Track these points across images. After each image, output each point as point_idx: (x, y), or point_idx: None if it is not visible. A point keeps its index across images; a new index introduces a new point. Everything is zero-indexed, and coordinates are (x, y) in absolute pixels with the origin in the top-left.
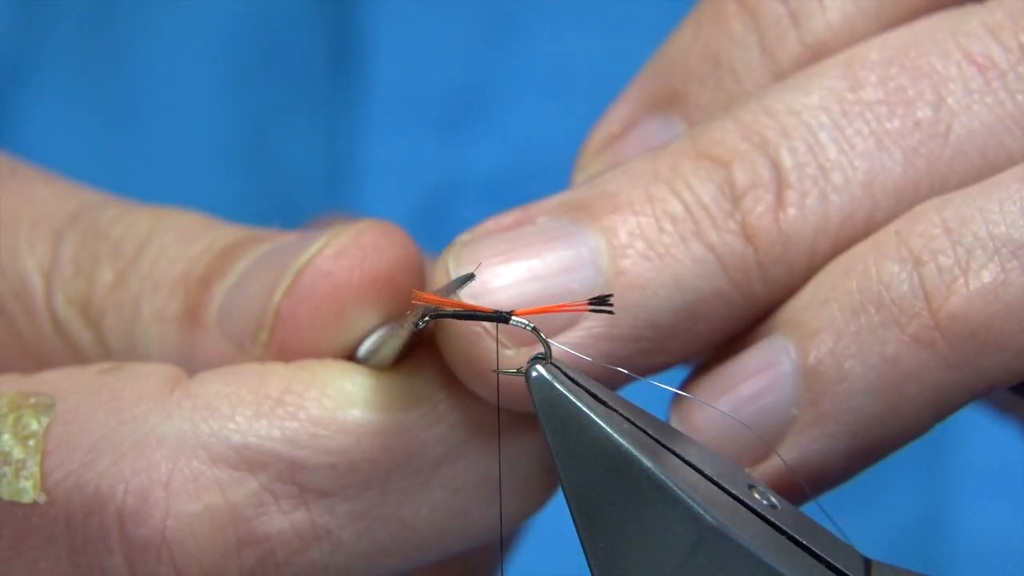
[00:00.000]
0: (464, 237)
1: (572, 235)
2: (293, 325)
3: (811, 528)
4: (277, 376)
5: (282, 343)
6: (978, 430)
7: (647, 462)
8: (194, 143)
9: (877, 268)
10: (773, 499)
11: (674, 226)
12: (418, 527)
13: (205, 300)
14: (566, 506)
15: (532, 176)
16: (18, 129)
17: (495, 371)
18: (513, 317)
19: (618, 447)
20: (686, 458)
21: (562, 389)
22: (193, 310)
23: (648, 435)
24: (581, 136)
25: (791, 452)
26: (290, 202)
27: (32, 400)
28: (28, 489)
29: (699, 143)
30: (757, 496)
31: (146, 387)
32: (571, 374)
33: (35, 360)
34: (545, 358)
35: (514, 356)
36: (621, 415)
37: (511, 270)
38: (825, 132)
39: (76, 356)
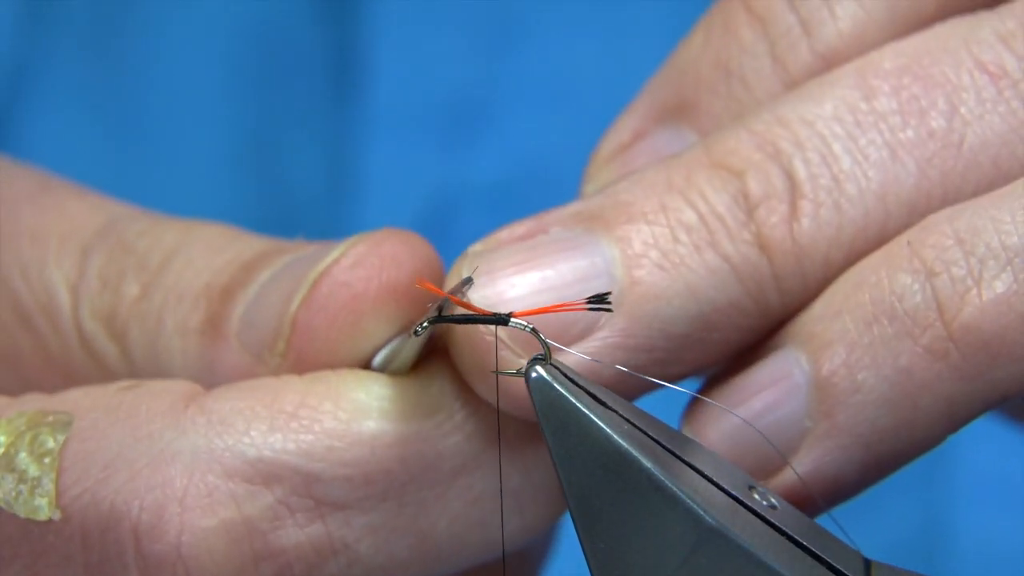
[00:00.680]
0: (477, 247)
1: (586, 245)
2: (309, 335)
3: (811, 529)
4: (291, 390)
5: (299, 353)
6: (980, 437)
7: (647, 463)
8: (198, 152)
9: (889, 280)
10: (773, 500)
11: (688, 236)
12: (436, 539)
13: (227, 311)
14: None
15: (534, 185)
16: (24, 137)
17: (495, 372)
18: (512, 319)
19: (618, 448)
20: (686, 459)
21: (561, 390)
22: (214, 321)
23: (648, 436)
24: (583, 145)
25: (804, 464)
26: (294, 211)
27: (50, 418)
28: (43, 506)
29: (712, 152)
30: (757, 497)
31: (162, 404)
32: (571, 375)
33: (62, 374)
34: (545, 359)
35: (522, 362)
36: (621, 416)
37: (525, 280)
38: (839, 143)
39: (102, 370)
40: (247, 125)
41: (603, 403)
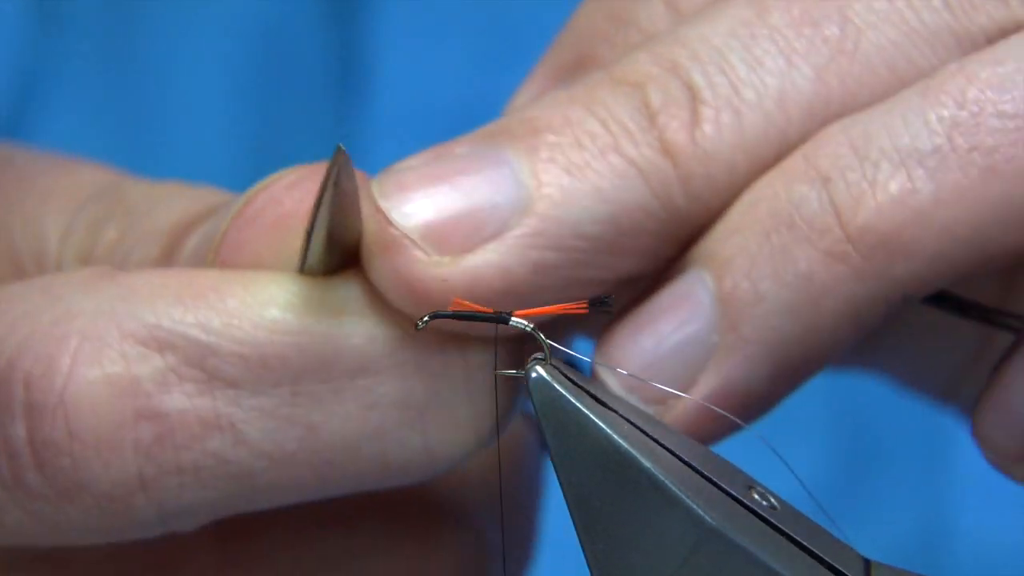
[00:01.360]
0: (385, 169)
1: (492, 156)
2: (237, 247)
3: (810, 529)
4: (206, 275)
5: (225, 263)
6: None
7: (646, 463)
8: (204, 156)
9: (786, 191)
10: (772, 500)
11: (593, 142)
12: (327, 439)
13: (180, 244)
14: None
15: None
16: (35, 139)
17: (495, 372)
18: (513, 318)
19: (617, 448)
20: (685, 459)
21: (561, 390)
22: (166, 253)
23: (648, 436)
24: None
25: (715, 378)
26: None
27: None
28: None
29: (613, 72)
30: (756, 497)
31: (80, 275)
32: (570, 375)
33: None
34: (545, 359)
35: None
36: (620, 416)
37: (436, 190)
38: (734, 54)
39: None
40: (253, 130)
41: (603, 403)
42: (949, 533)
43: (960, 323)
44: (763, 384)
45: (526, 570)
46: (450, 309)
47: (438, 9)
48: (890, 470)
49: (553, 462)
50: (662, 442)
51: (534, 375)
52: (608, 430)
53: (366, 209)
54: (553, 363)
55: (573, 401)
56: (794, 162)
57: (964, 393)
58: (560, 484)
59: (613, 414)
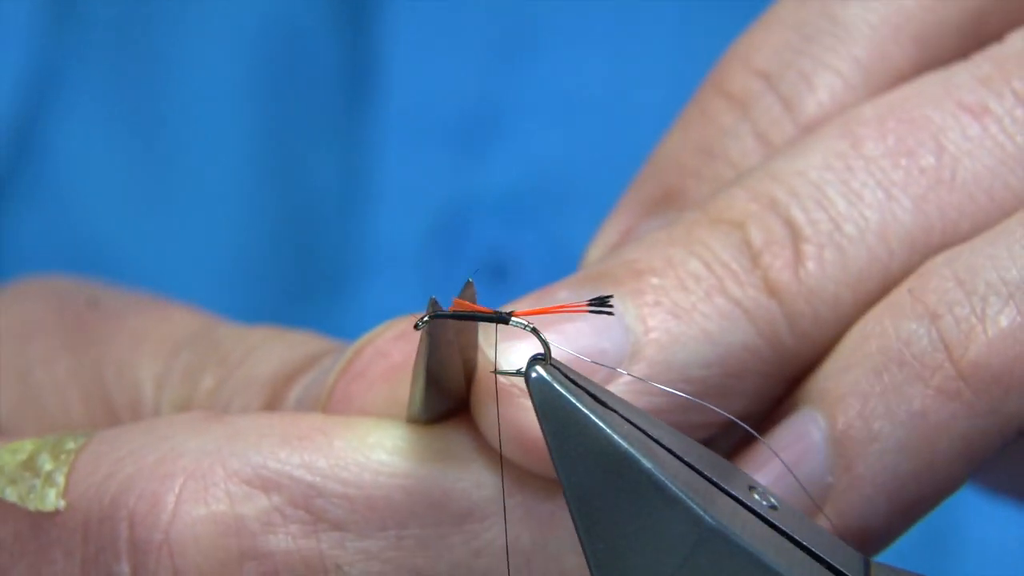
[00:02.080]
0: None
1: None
2: (346, 402)
3: (811, 529)
4: (312, 418)
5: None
6: None
7: (647, 463)
8: (217, 160)
9: (895, 327)
10: (773, 500)
11: (697, 284)
12: None
13: (284, 395)
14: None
15: (546, 195)
16: (50, 142)
17: (494, 372)
18: (513, 318)
19: (617, 448)
20: (686, 459)
21: (561, 390)
22: (269, 405)
23: (648, 436)
24: (595, 156)
25: (831, 519)
26: (308, 220)
27: (77, 432)
28: (51, 497)
29: (709, 211)
30: (757, 497)
31: (185, 416)
32: (571, 375)
33: None
34: (545, 359)
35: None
36: (621, 416)
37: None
38: (832, 187)
39: None
40: (264, 133)
41: (603, 403)
42: (949, 533)
43: None
44: (880, 522)
45: None
46: (450, 310)
47: (449, 11)
48: None
49: (553, 462)
50: (662, 442)
51: (534, 375)
52: (608, 430)
53: (476, 358)
54: (553, 363)
55: (573, 401)
56: (901, 298)
57: None
58: (561, 484)
59: (613, 414)
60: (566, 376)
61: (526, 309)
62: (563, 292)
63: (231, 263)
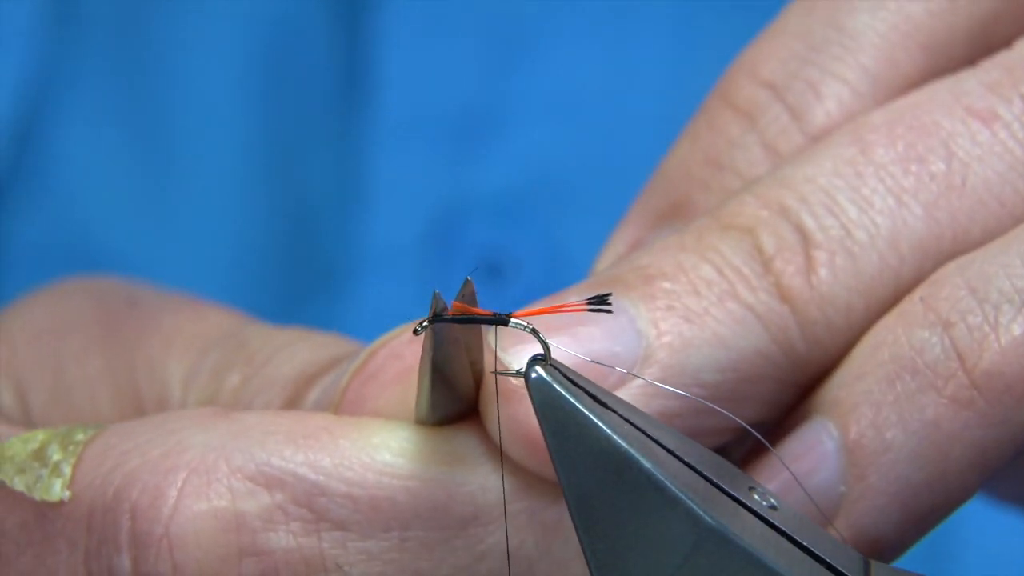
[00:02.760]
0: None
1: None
2: (359, 402)
3: (811, 529)
4: (320, 417)
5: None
6: None
7: (646, 463)
8: (214, 161)
9: (907, 336)
10: (773, 500)
11: (709, 289)
12: None
13: (304, 395)
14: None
15: (542, 194)
16: (50, 143)
17: (494, 372)
18: (512, 319)
19: (617, 448)
20: (686, 459)
21: (561, 390)
22: (290, 405)
23: (648, 436)
24: (591, 155)
25: (844, 529)
26: (305, 219)
27: (88, 424)
28: (56, 487)
29: (720, 217)
30: (757, 497)
31: (194, 412)
32: (570, 375)
33: None
34: (544, 359)
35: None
36: (620, 416)
37: (554, 341)
38: (842, 194)
39: None
40: (262, 133)
41: (603, 403)
42: (950, 533)
43: None
44: (892, 531)
45: None
46: (448, 313)
47: (445, 11)
48: None
49: (553, 462)
50: (662, 443)
51: (534, 375)
52: (608, 430)
53: (483, 359)
54: (553, 363)
55: (573, 401)
56: (912, 306)
57: None
58: (560, 484)
59: (613, 414)
60: (566, 376)
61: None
62: (572, 297)
63: (229, 262)
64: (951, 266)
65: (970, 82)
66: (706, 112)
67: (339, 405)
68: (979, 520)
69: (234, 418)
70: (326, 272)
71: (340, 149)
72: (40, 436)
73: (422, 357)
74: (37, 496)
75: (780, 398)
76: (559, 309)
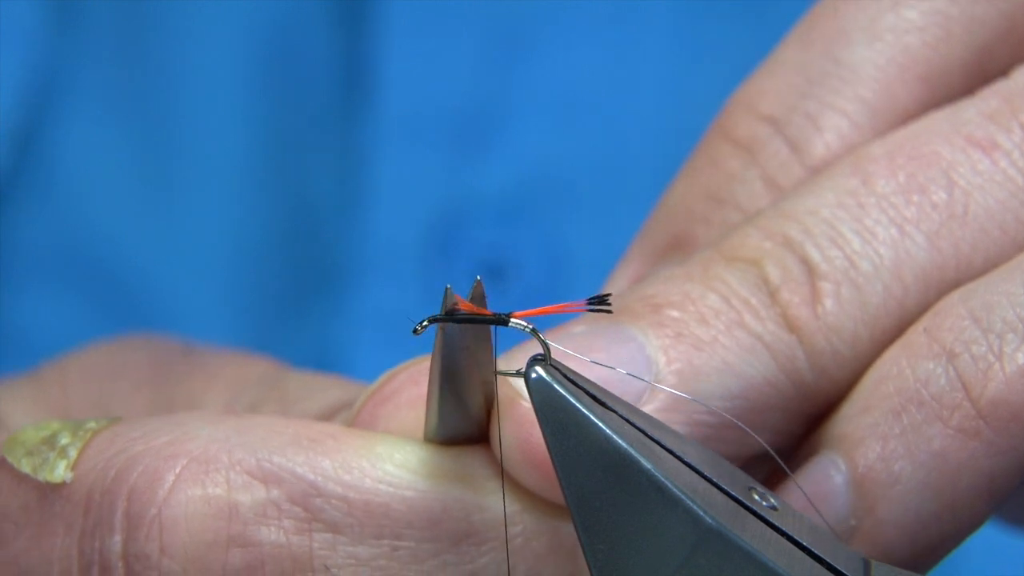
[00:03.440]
0: (514, 348)
1: (615, 332)
2: (371, 422)
3: (811, 529)
4: (327, 425)
5: None
6: None
7: (647, 463)
8: (217, 163)
9: (912, 368)
10: (773, 500)
11: (717, 318)
12: None
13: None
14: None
15: (542, 196)
16: (52, 145)
17: (494, 372)
18: (512, 319)
19: (617, 448)
20: (686, 459)
21: (561, 390)
22: None
23: (648, 436)
24: (593, 155)
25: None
26: (306, 219)
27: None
28: (60, 469)
29: (724, 249)
30: (757, 497)
31: (206, 411)
32: (570, 375)
33: None
34: (544, 359)
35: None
36: (620, 416)
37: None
38: (845, 225)
39: None
40: (263, 135)
41: (603, 403)
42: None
43: None
44: (904, 563)
45: None
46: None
47: (445, 13)
48: None
49: (553, 462)
50: (662, 443)
51: (534, 376)
52: (608, 431)
53: (490, 380)
54: (553, 363)
55: (573, 402)
56: (916, 337)
57: None
58: (560, 485)
59: (613, 415)
60: (566, 376)
61: (546, 340)
62: (579, 327)
63: (230, 263)
64: (954, 296)
65: (969, 111)
66: (706, 147)
67: (352, 422)
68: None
69: (244, 417)
70: (327, 273)
71: (341, 151)
72: (54, 425)
73: (432, 361)
74: (41, 477)
75: (788, 428)
76: (560, 309)
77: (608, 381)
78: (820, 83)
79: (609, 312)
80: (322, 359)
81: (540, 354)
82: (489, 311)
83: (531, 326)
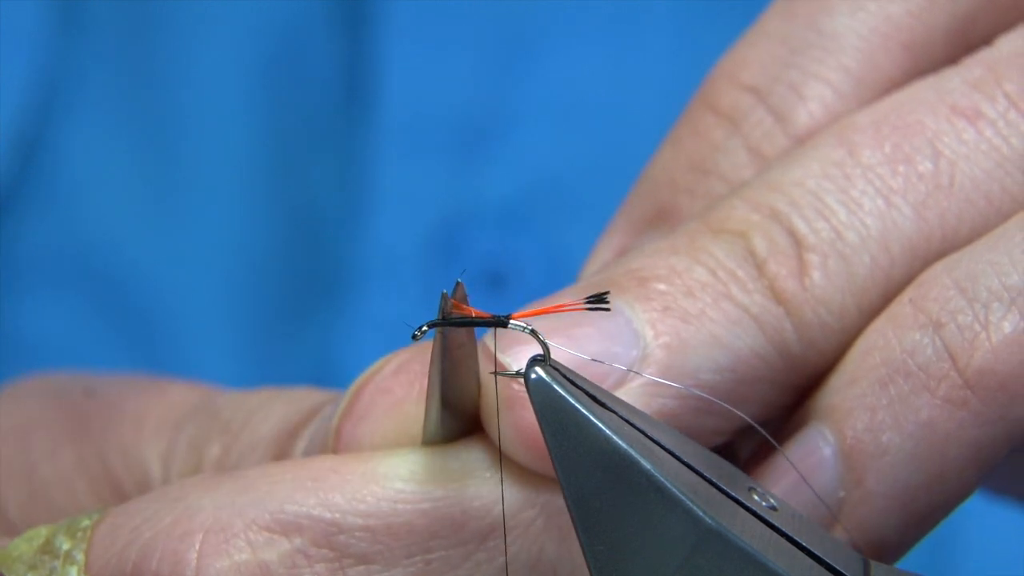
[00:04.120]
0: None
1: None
2: (355, 443)
3: (811, 530)
4: (323, 459)
5: None
6: None
7: (646, 464)
8: (219, 169)
9: (898, 339)
10: (773, 500)
11: (704, 290)
12: None
13: (289, 449)
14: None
15: (545, 201)
16: (55, 149)
17: (494, 373)
18: (511, 320)
19: (617, 449)
20: (686, 459)
21: (560, 391)
22: (279, 459)
23: (647, 436)
24: (594, 161)
25: (845, 533)
26: (308, 227)
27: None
28: (72, 574)
29: (710, 221)
30: (756, 498)
31: (194, 479)
32: (570, 375)
33: None
34: (544, 359)
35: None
36: (620, 416)
37: (552, 343)
38: (831, 196)
39: None
40: (265, 142)
41: (602, 404)
42: (949, 533)
43: None
44: (893, 533)
45: None
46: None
47: (447, 21)
48: None
49: (553, 463)
50: (662, 443)
51: (533, 376)
52: (608, 431)
53: (483, 365)
54: (552, 364)
55: (572, 402)
56: (902, 308)
57: None
58: (560, 485)
59: (612, 415)
60: (565, 377)
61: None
62: (566, 299)
63: (233, 270)
64: (939, 266)
65: (953, 81)
66: (689, 118)
67: (334, 447)
68: (980, 520)
69: (236, 475)
70: (330, 280)
71: (344, 157)
72: (43, 531)
73: (431, 365)
74: None
75: (777, 400)
76: (558, 309)
77: (596, 356)
78: (803, 53)
79: (607, 310)
80: (324, 366)
81: (539, 355)
82: (487, 313)
83: (530, 327)
